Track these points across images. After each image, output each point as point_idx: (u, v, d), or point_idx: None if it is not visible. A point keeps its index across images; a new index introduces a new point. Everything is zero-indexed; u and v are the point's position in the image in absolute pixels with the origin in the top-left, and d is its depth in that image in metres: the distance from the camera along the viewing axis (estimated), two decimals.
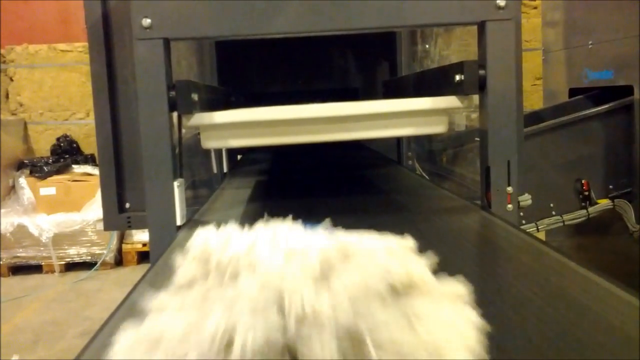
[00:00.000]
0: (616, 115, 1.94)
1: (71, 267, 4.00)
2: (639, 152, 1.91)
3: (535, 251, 0.82)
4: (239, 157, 2.13)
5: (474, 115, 1.50)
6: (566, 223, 1.90)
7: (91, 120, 3.92)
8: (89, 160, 4.36)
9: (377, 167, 1.78)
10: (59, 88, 4.52)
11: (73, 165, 4.27)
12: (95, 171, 4.02)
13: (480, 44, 1.05)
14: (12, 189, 4.18)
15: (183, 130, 1.13)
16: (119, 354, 0.45)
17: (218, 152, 1.85)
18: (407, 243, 0.50)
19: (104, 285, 3.68)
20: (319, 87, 2.30)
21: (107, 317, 0.64)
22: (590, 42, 2.18)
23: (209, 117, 1.12)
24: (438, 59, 2.00)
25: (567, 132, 1.96)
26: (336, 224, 0.50)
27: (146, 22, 0.99)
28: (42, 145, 4.54)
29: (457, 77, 1.08)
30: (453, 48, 1.95)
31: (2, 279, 3.89)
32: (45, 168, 4.15)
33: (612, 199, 1.94)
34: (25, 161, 4.30)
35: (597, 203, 1.91)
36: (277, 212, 0.65)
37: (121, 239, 4.05)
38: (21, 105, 4.55)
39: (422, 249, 0.78)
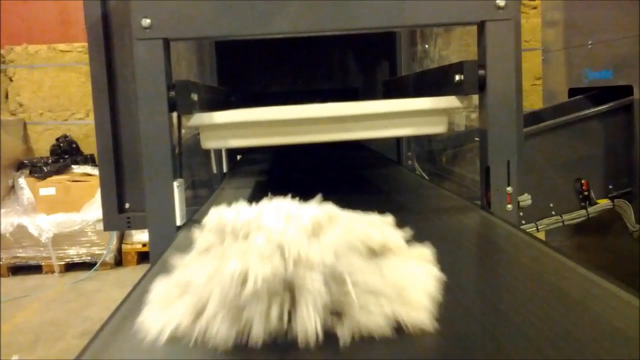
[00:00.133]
0: (616, 115, 1.94)
1: (71, 267, 4.00)
2: (638, 152, 1.91)
3: (535, 251, 0.82)
4: (238, 157, 2.13)
5: (474, 115, 1.50)
6: (566, 223, 1.90)
7: (91, 121, 3.92)
8: (89, 160, 4.36)
9: (377, 167, 1.78)
10: (58, 88, 4.52)
11: (73, 166, 4.27)
12: (95, 171, 4.02)
13: (480, 44, 1.05)
14: (12, 189, 4.18)
15: (183, 131, 1.12)
16: (155, 298, 0.58)
17: (218, 152, 1.85)
18: (386, 219, 0.65)
19: (104, 286, 3.68)
20: (318, 87, 2.30)
21: (107, 316, 0.64)
22: (589, 42, 2.18)
23: (208, 118, 1.12)
24: (438, 59, 2.00)
25: (566, 132, 1.96)
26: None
27: (146, 22, 0.99)
28: (42, 146, 4.54)
29: (457, 77, 1.08)
30: (453, 48, 1.95)
31: (2, 279, 3.89)
32: (44, 168, 4.15)
33: (611, 198, 1.94)
34: (25, 161, 4.30)
35: (596, 203, 1.91)
36: None
37: (121, 239, 4.05)
38: (21, 105, 4.55)
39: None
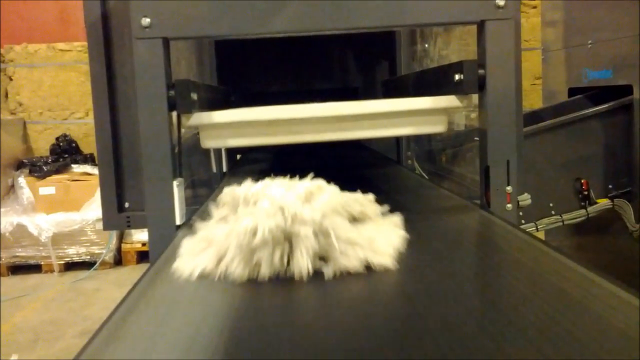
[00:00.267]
0: (615, 114, 1.94)
1: (70, 266, 4.00)
2: (638, 152, 1.91)
3: (534, 251, 0.82)
4: (238, 156, 2.13)
5: (474, 115, 1.50)
6: (566, 223, 1.90)
7: (90, 120, 3.92)
8: (88, 159, 4.36)
9: (377, 167, 1.78)
10: (58, 87, 4.52)
11: (72, 165, 4.27)
12: (95, 171, 4.02)
13: (480, 44, 1.05)
14: (12, 188, 4.18)
15: (182, 130, 1.12)
16: (185, 251, 0.79)
17: (217, 151, 1.85)
18: (368, 196, 0.86)
19: (103, 285, 3.68)
20: (318, 87, 2.30)
21: (107, 316, 0.64)
22: (589, 42, 2.18)
23: (208, 117, 1.12)
24: (437, 59, 2.00)
25: (566, 131, 1.96)
26: None
27: (145, 21, 0.99)
28: (42, 145, 4.54)
29: (457, 77, 1.08)
30: (452, 47, 1.94)
31: (1, 278, 3.89)
32: (44, 167, 4.14)
33: (611, 198, 1.93)
34: (25, 161, 4.30)
35: (596, 203, 1.91)
36: None
37: (120, 239, 4.05)
38: (20, 104, 4.55)
39: (422, 248, 0.79)
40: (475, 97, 1.10)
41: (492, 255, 0.85)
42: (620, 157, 1.94)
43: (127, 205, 1.42)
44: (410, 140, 1.89)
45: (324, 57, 2.27)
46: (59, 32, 4.58)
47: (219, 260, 0.74)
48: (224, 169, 1.90)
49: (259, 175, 0.88)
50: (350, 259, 0.73)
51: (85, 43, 1.40)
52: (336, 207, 0.77)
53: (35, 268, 3.97)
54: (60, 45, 4.49)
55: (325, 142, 1.17)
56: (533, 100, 3.37)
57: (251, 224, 0.72)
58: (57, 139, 4.46)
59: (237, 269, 0.72)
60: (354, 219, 0.81)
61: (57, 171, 4.17)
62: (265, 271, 0.72)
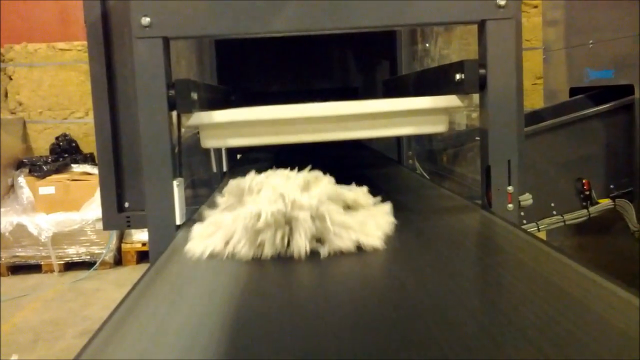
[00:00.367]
0: (617, 114, 1.94)
1: (70, 266, 4.00)
2: (639, 152, 1.90)
3: (535, 251, 0.81)
4: (238, 156, 2.13)
5: (475, 115, 1.50)
6: (567, 223, 1.90)
7: (90, 119, 3.92)
8: (88, 159, 4.36)
9: (378, 167, 1.78)
10: (58, 87, 4.51)
11: (72, 165, 4.26)
12: (95, 170, 4.02)
13: (481, 43, 1.05)
14: (11, 188, 4.17)
15: (182, 130, 1.12)
16: (196, 234, 0.88)
17: (217, 151, 1.85)
18: (362, 188, 0.96)
19: (103, 285, 3.68)
20: (319, 86, 2.29)
21: (107, 316, 0.64)
22: (590, 41, 2.18)
23: (208, 116, 1.12)
24: (438, 58, 1.99)
25: (567, 131, 1.95)
26: None
27: (145, 20, 0.99)
28: (41, 145, 4.53)
29: (458, 76, 1.07)
30: (453, 47, 1.94)
31: (1, 278, 3.89)
32: (44, 167, 4.14)
33: (613, 198, 1.93)
34: (25, 160, 4.29)
35: (597, 203, 1.91)
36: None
37: (120, 239, 4.04)
38: (20, 104, 4.55)
39: (423, 248, 0.79)
40: (476, 97, 1.10)
41: (493, 256, 0.85)
42: (622, 157, 1.94)
43: (127, 205, 1.42)
44: (411, 140, 1.89)
45: (324, 57, 2.27)
46: (59, 31, 4.58)
47: (227, 242, 0.83)
48: (224, 168, 1.90)
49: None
50: (343, 240, 0.82)
51: (85, 42, 1.40)
52: (331, 195, 0.87)
53: (35, 268, 3.97)
54: (60, 45, 4.49)
55: (325, 142, 1.17)
56: (534, 100, 3.36)
57: (255, 209, 0.81)
58: (57, 138, 4.46)
59: (243, 249, 0.82)
60: (348, 207, 0.91)
61: (57, 171, 4.17)
62: (268, 251, 0.81)
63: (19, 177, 4.12)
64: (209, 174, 1.82)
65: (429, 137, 2.05)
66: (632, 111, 1.92)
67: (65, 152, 4.39)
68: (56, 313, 3.21)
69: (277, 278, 0.78)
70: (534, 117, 2.15)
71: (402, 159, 1.88)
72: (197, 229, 0.89)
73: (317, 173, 0.91)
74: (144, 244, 3.95)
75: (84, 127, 4.52)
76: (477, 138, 1.11)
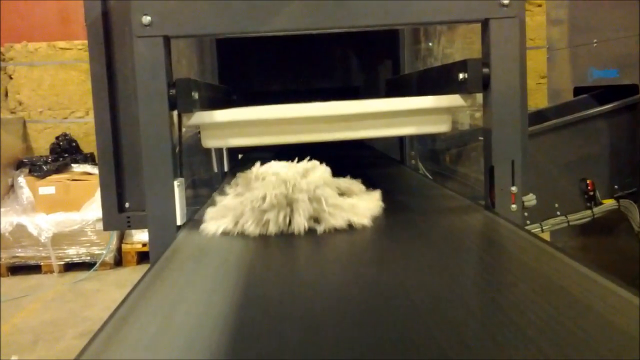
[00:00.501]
0: (621, 114, 1.93)
1: (70, 267, 4.00)
2: None
3: (538, 251, 0.81)
4: (240, 156, 2.12)
5: (478, 114, 1.49)
6: (571, 223, 1.89)
7: (90, 119, 3.91)
8: (89, 159, 4.36)
9: (380, 167, 1.78)
10: (58, 86, 4.51)
11: (72, 165, 4.26)
12: (95, 170, 4.01)
13: (484, 42, 1.04)
14: (11, 188, 4.17)
15: (183, 129, 1.12)
16: (209, 216, 1.00)
17: (219, 151, 1.84)
18: (356, 181, 1.09)
19: (103, 286, 3.68)
20: (320, 86, 2.29)
21: (107, 317, 0.64)
22: (595, 41, 2.17)
23: (209, 116, 1.11)
24: (441, 57, 1.99)
25: (571, 131, 1.94)
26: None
27: (146, 19, 0.98)
28: (42, 144, 4.53)
29: (461, 76, 1.07)
30: (456, 46, 1.93)
31: (1, 279, 3.88)
32: (44, 167, 4.14)
33: (617, 199, 1.92)
34: (25, 160, 4.29)
35: (602, 203, 1.90)
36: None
37: (121, 239, 4.04)
38: (20, 103, 4.55)
39: (424, 249, 0.79)
40: (479, 97, 1.09)
41: (495, 256, 0.85)
42: (626, 157, 1.93)
43: (127, 205, 1.41)
44: (413, 139, 1.88)
45: (326, 56, 2.26)
46: (59, 30, 4.57)
47: (237, 222, 0.96)
48: (225, 168, 1.89)
49: None
50: (336, 219, 0.95)
51: (86, 41, 1.39)
52: (326, 181, 0.99)
53: (35, 268, 3.97)
54: (61, 44, 4.49)
55: (327, 142, 1.17)
56: (538, 100, 3.36)
57: (261, 193, 0.94)
58: (57, 138, 4.46)
59: (251, 227, 0.95)
60: (342, 194, 1.03)
61: (57, 171, 4.17)
62: (272, 229, 0.94)
63: (19, 177, 4.12)
64: (210, 174, 1.82)
65: (432, 137, 2.04)
66: (637, 111, 1.91)
67: (66, 152, 4.38)
68: (56, 314, 3.20)
69: (280, 252, 0.90)
70: (538, 116, 2.14)
71: (404, 159, 1.88)
72: (210, 212, 1.01)
73: (315, 162, 1.02)
74: (144, 245, 3.95)
75: (84, 127, 4.52)
76: (481, 138, 1.11)
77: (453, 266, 0.78)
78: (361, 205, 1.00)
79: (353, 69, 2.32)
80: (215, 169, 1.82)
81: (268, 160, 1.02)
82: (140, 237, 3.94)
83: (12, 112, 4.54)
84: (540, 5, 3.76)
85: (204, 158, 1.79)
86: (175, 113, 1.05)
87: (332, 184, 1.00)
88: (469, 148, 1.89)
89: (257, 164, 1.01)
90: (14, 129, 4.41)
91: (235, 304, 0.66)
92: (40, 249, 3.92)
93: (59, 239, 3.91)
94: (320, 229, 0.94)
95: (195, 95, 1.07)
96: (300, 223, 0.94)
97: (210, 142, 1.16)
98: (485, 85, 1.04)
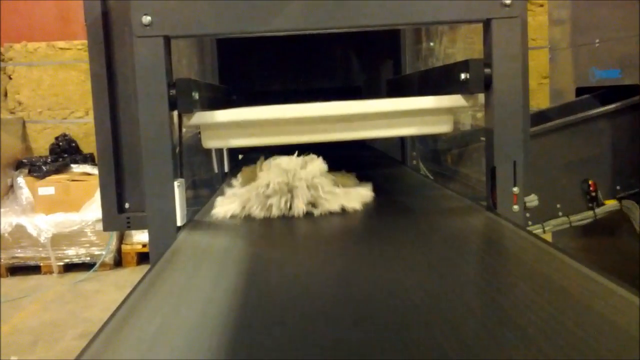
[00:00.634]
0: (623, 114, 1.92)
1: (70, 267, 3.99)
2: None
3: (539, 252, 0.81)
4: (240, 156, 2.11)
5: (480, 115, 1.49)
6: (573, 224, 1.88)
7: (90, 119, 3.91)
8: (88, 159, 4.35)
9: (381, 167, 1.77)
10: (57, 86, 4.51)
11: (72, 165, 4.26)
12: (95, 171, 4.01)
13: (486, 42, 1.04)
14: (11, 188, 4.17)
15: (183, 130, 1.11)
16: (219, 203, 1.13)
17: (219, 151, 1.84)
18: (349, 174, 1.24)
19: (103, 287, 3.67)
20: (321, 86, 2.28)
21: (107, 318, 0.63)
22: (597, 41, 2.17)
23: (209, 116, 1.11)
24: (443, 57, 1.98)
25: (573, 131, 1.94)
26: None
27: (146, 19, 0.98)
28: (41, 145, 4.53)
29: (462, 76, 1.07)
30: (458, 46, 1.93)
31: (1, 279, 3.88)
32: (43, 167, 4.13)
33: (619, 199, 1.92)
34: (24, 160, 4.29)
35: (604, 204, 1.89)
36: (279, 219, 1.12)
37: (120, 240, 4.04)
38: (20, 103, 4.54)
39: (425, 250, 0.79)
40: (481, 97, 1.09)
41: (497, 257, 0.85)
42: (628, 157, 1.92)
43: (127, 205, 1.41)
44: (415, 140, 1.88)
45: (327, 56, 2.26)
46: (58, 30, 4.57)
47: (244, 206, 1.10)
48: (226, 169, 1.89)
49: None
50: (331, 204, 1.09)
51: (85, 41, 1.39)
52: (322, 171, 1.12)
53: (34, 269, 3.96)
54: (60, 44, 4.48)
55: (328, 142, 1.16)
56: (540, 100, 3.35)
57: (265, 181, 1.08)
58: (56, 138, 4.45)
59: (256, 211, 1.08)
60: (337, 185, 1.15)
61: (57, 171, 4.16)
62: (275, 212, 1.08)
63: (19, 178, 4.11)
64: (210, 174, 1.81)
65: (433, 138, 2.04)
66: (639, 111, 1.91)
67: (65, 152, 4.38)
68: (56, 314, 3.20)
69: (282, 232, 1.04)
70: (540, 117, 2.14)
71: (406, 160, 1.88)
72: (219, 200, 1.14)
73: (313, 156, 1.14)
74: (144, 245, 3.94)
75: (83, 127, 4.52)
76: (482, 138, 1.10)
77: (454, 267, 0.78)
78: (353, 193, 1.14)
79: (354, 69, 2.32)
80: (216, 170, 1.81)
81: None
82: (140, 237, 3.93)
83: (11, 113, 4.54)
84: (542, 5, 3.76)
85: (204, 158, 1.78)
86: (175, 113, 1.04)
87: (327, 176, 1.13)
88: (471, 148, 1.89)
89: (261, 157, 1.17)
90: (14, 129, 4.41)
91: (235, 304, 0.66)
92: (40, 249, 3.91)
93: (58, 240, 3.91)
94: (317, 212, 1.08)
95: (196, 95, 1.07)
96: (300, 207, 1.07)
97: (210, 142, 1.16)
98: (487, 85, 1.03)
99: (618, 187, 1.92)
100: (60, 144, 4.41)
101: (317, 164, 1.12)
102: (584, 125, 1.93)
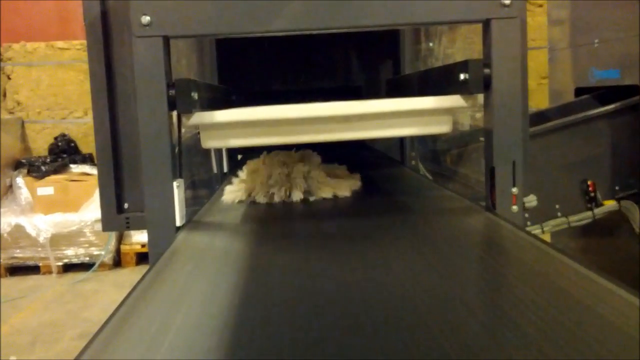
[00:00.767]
0: (623, 115, 1.92)
1: (69, 268, 3.99)
2: None
3: (538, 252, 0.81)
4: (239, 157, 2.11)
5: (479, 115, 1.49)
6: (572, 224, 1.88)
7: (89, 119, 3.91)
8: (87, 159, 4.35)
9: (380, 167, 1.77)
10: (56, 86, 4.50)
11: (71, 165, 4.25)
12: (94, 171, 4.01)
13: (485, 43, 1.04)
14: (10, 188, 4.16)
15: (183, 130, 1.11)
16: (227, 190, 1.31)
17: (218, 151, 1.84)
18: (341, 166, 1.42)
19: (102, 287, 3.67)
20: (321, 86, 2.28)
21: (106, 318, 0.63)
22: (596, 41, 2.17)
23: (209, 116, 1.11)
24: (442, 58, 1.98)
25: (572, 132, 1.94)
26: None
27: (145, 19, 0.98)
28: (40, 145, 4.52)
29: (462, 76, 1.06)
30: (457, 46, 1.93)
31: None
32: (42, 167, 4.13)
33: (618, 200, 1.92)
34: (23, 160, 4.28)
35: (603, 204, 1.89)
36: (279, 213, 1.22)
37: (120, 240, 4.03)
38: (19, 103, 4.54)
39: (424, 250, 0.79)
40: (480, 97, 1.09)
41: (496, 257, 0.85)
42: (628, 158, 1.92)
43: (126, 206, 1.40)
44: (414, 140, 1.88)
45: (326, 56, 2.26)
46: (57, 30, 4.57)
47: (249, 194, 1.28)
48: (225, 169, 1.89)
49: None
50: (325, 191, 1.27)
51: (84, 41, 1.39)
52: (317, 164, 1.32)
53: (33, 269, 3.96)
54: (59, 44, 4.48)
55: (328, 143, 1.16)
56: (539, 100, 3.34)
57: (268, 172, 1.28)
58: (55, 138, 4.45)
59: (260, 198, 1.26)
60: (330, 176, 1.32)
61: (56, 171, 4.16)
62: (276, 199, 1.25)
63: (17, 178, 4.11)
64: (210, 174, 1.81)
65: (433, 138, 2.04)
66: (638, 112, 1.91)
67: (64, 152, 4.37)
68: (55, 315, 3.20)
69: (283, 214, 1.17)
70: (539, 117, 2.14)
71: (405, 160, 1.88)
72: (228, 188, 1.32)
73: (309, 151, 1.35)
74: (143, 246, 3.94)
75: (82, 127, 4.51)
76: (481, 139, 1.10)
77: (453, 267, 0.78)
78: (344, 183, 1.31)
79: (353, 69, 2.32)
80: (215, 170, 1.81)
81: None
82: (139, 238, 3.93)
83: (10, 113, 4.54)
84: (541, 6, 3.76)
85: (203, 159, 1.78)
86: (174, 113, 1.04)
87: (321, 168, 1.32)
88: (470, 149, 1.89)
89: (264, 152, 1.35)
90: (13, 129, 4.40)
91: (234, 304, 0.66)
92: (39, 249, 3.91)
93: (57, 240, 3.91)
94: (312, 198, 1.26)
95: (195, 95, 1.07)
96: (297, 195, 1.25)
97: (209, 142, 1.16)
98: (486, 85, 1.03)
99: (617, 188, 1.92)
100: (59, 144, 4.41)
101: (313, 158, 1.33)
102: (583, 125, 1.93)
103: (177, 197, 1.02)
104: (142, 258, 4.01)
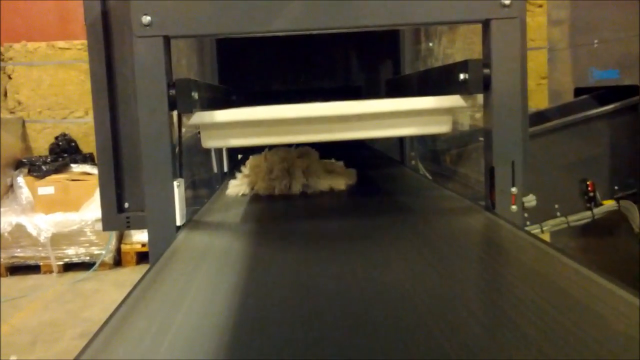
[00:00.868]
0: (622, 115, 1.92)
1: (69, 267, 3.99)
2: None
3: (537, 252, 0.81)
4: (239, 156, 2.12)
5: (478, 115, 1.49)
6: (571, 224, 1.89)
7: (90, 119, 3.90)
8: (88, 159, 4.35)
9: (380, 167, 1.77)
10: (57, 86, 4.50)
11: (72, 165, 4.25)
12: (94, 170, 4.01)
13: (485, 43, 1.04)
14: (10, 188, 4.16)
15: (183, 129, 1.11)
16: (232, 184, 1.41)
17: (218, 151, 1.84)
18: (338, 162, 1.51)
19: (103, 286, 3.67)
20: (321, 86, 2.28)
21: (106, 317, 0.63)
22: (595, 41, 2.17)
23: (209, 116, 1.11)
24: (442, 58, 1.98)
25: (572, 132, 1.94)
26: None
27: (146, 19, 0.98)
28: (41, 144, 4.52)
29: (462, 76, 1.06)
30: (457, 46, 1.93)
31: (0, 279, 3.88)
32: (43, 167, 4.13)
33: (617, 200, 1.92)
34: (24, 160, 4.28)
35: (602, 204, 1.89)
36: (279, 213, 1.25)
37: (120, 240, 4.03)
38: (20, 103, 4.54)
39: (423, 250, 0.79)
40: (480, 97, 1.09)
41: (495, 257, 0.85)
42: (627, 158, 1.93)
43: (126, 205, 1.41)
44: (414, 140, 1.88)
45: (326, 56, 2.26)
46: (58, 30, 4.57)
47: (252, 187, 1.37)
48: (225, 169, 1.89)
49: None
50: (322, 185, 1.34)
51: (85, 41, 1.39)
52: (315, 160, 1.41)
53: (34, 269, 3.96)
54: (60, 44, 4.48)
55: (327, 142, 1.16)
56: (539, 100, 3.34)
57: (269, 166, 1.36)
58: (56, 138, 4.45)
59: (262, 190, 1.35)
60: (327, 170, 1.40)
61: (56, 171, 4.16)
62: (277, 191, 1.33)
63: (18, 177, 4.11)
64: (210, 174, 1.81)
65: (432, 138, 2.04)
66: (638, 112, 1.91)
67: (65, 152, 4.38)
68: (55, 314, 3.20)
69: (284, 205, 1.25)
70: (539, 117, 2.14)
71: (404, 160, 1.88)
72: (232, 182, 1.41)
73: (307, 147, 1.44)
74: (143, 245, 3.94)
75: (83, 127, 4.51)
76: (481, 139, 1.10)
77: (453, 267, 0.78)
78: (340, 178, 1.38)
79: (353, 69, 2.32)
80: (215, 170, 1.81)
81: None
82: (139, 237, 3.93)
83: (11, 112, 4.54)
84: (541, 6, 3.76)
85: (203, 158, 1.78)
86: (175, 113, 1.04)
87: (319, 163, 1.41)
88: (469, 149, 1.89)
89: (266, 149, 1.42)
90: (13, 128, 4.40)
91: (234, 304, 0.66)
92: (40, 249, 3.91)
93: (58, 239, 3.91)
94: (310, 191, 1.33)
95: (195, 95, 1.07)
96: (297, 187, 1.33)
97: (210, 142, 1.16)
98: (485, 85, 1.03)
99: (616, 188, 1.92)
100: (60, 143, 4.41)
101: (311, 154, 1.42)
102: (582, 125, 1.93)
103: (178, 197, 1.02)
104: (142, 257, 4.01)
